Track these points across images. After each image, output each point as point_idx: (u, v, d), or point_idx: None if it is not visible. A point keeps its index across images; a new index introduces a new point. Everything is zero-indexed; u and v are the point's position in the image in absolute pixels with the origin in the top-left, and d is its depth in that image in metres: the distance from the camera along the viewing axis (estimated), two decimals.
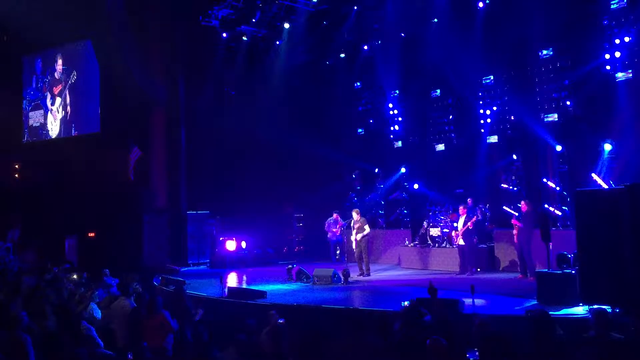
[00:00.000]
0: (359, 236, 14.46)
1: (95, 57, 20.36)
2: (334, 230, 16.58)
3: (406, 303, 7.53)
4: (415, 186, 17.26)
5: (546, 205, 13.88)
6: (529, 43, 14.49)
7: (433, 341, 5.31)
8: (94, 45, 20.41)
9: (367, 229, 14.55)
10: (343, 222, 16.34)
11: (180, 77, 18.99)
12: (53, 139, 22.21)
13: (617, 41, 12.99)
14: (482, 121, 16.04)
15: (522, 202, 13.22)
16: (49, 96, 22.48)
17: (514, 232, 13.16)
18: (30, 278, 10.96)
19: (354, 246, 14.82)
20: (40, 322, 7.36)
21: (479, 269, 14.09)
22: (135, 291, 9.67)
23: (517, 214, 13.24)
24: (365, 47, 18.67)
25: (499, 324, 8.23)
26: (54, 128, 22.21)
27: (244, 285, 13.75)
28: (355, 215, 14.80)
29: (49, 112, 22.41)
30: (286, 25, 17.99)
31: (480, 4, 15.28)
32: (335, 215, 16.73)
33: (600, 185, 12.03)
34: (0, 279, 11.88)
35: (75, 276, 12.60)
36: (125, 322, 8.57)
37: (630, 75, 12.82)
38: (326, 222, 16.80)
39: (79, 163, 19.49)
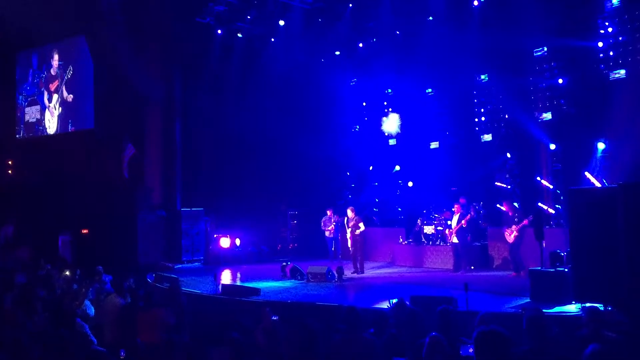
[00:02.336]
0: (357, 232, 14.49)
1: (90, 53, 20.26)
2: (329, 228, 16.49)
3: (394, 300, 7.54)
4: (410, 184, 17.30)
5: (540, 204, 13.94)
6: (523, 42, 14.50)
7: (432, 338, 5.33)
8: (88, 41, 20.32)
9: (361, 226, 14.58)
10: (338, 219, 16.31)
11: (175, 74, 18.94)
12: (48, 135, 22.10)
13: (611, 40, 13.04)
14: (476, 119, 16.08)
15: (504, 203, 13.46)
16: (45, 93, 22.36)
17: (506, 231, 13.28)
18: (22, 275, 10.92)
19: (349, 244, 14.85)
20: (32, 320, 7.34)
21: (472, 267, 14.14)
22: (129, 288, 9.66)
23: (516, 219, 13.21)
24: (361, 45, 18.66)
25: (492, 321, 8.26)
26: (51, 125, 22.10)
27: (238, 283, 13.74)
28: (350, 213, 14.83)
29: (47, 109, 22.30)
30: (281, 23, 17.96)
31: (476, 2, 15.29)
32: (329, 212, 16.68)
33: (593, 184, 12.09)
34: None
35: (67, 273, 12.56)
36: (115, 319, 8.56)
37: (624, 74, 12.88)
38: (322, 220, 16.75)
39: (73, 160, 19.42)
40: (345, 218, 15.03)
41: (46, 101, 22.30)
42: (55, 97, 21.95)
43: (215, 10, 17.53)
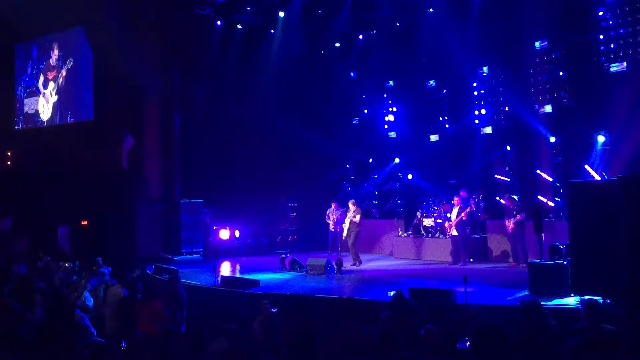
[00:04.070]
0: (350, 225, 14.49)
1: (89, 44, 20.18)
2: (331, 220, 16.53)
3: (392, 293, 7.57)
4: (409, 176, 17.30)
5: (539, 197, 13.95)
6: (524, 34, 14.46)
7: (427, 330, 5.36)
8: (87, 32, 20.23)
9: (357, 218, 14.58)
10: (342, 211, 16.34)
11: (174, 65, 18.85)
12: (46, 126, 22.06)
13: (612, 33, 12.99)
14: (476, 112, 16.04)
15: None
16: (41, 79, 22.30)
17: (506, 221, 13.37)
18: (20, 266, 10.92)
19: (344, 235, 14.87)
20: (31, 311, 7.34)
21: (471, 260, 14.17)
22: (131, 280, 9.67)
23: (515, 212, 13.29)
24: (361, 37, 18.59)
25: (491, 314, 8.27)
26: (45, 112, 22.04)
27: (237, 274, 13.76)
28: (351, 206, 14.83)
29: (41, 95, 22.25)
30: (281, 14, 17.89)
31: None
32: (333, 205, 16.71)
33: (593, 177, 12.08)
34: None
35: (67, 264, 12.58)
36: (116, 310, 8.58)
37: (625, 67, 12.83)
38: (327, 212, 16.75)
39: (73, 151, 19.37)
40: (348, 211, 15.00)
41: (41, 87, 22.23)
42: (51, 84, 21.88)
43: (214, 1, 17.45)
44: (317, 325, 5.89)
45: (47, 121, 22.01)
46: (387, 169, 18.36)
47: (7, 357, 5.69)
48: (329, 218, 16.56)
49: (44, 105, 22.06)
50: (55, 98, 21.71)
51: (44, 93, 22.11)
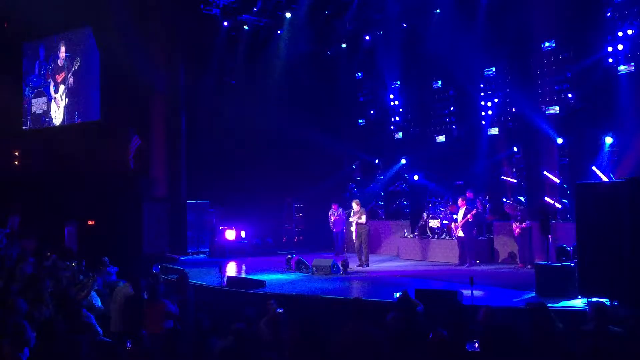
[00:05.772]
0: (358, 226, 14.47)
1: (96, 44, 20.25)
2: (331, 221, 16.58)
3: (398, 294, 7.55)
4: (416, 177, 17.26)
5: (546, 198, 13.91)
6: (531, 35, 14.42)
7: (435, 333, 5.34)
8: (94, 32, 20.31)
9: (363, 219, 14.57)
10: (341, 212, 16.37)
11: (180, 66, 18.89)
12: (54, 126, 22.15)
13: (620, 34, 12.93)
14: (483, 113, 16.00)
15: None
16: (52, 84, 22.38)
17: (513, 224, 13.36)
18: (28, 265, 10.96)
19: (353, 237, 14.85)
20: (39, 309, 7.36)
21: (478, 261, 14.12)
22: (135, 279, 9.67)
23: (519, 218, 13.34)
24: (367, 38, 18.59)
25: (498, 315, 8.24)
26: (57, 116, 22.14)
27: (243, 275, 13.76)
28: (355, 206, 14.83)
29: (53, 100, 22.33)
30: (287, 15, 17.90)
31: None
32: (333, 206, 16.74)
33: (600, 178, 12.04)
34: None
35: (73, 264, 12.60)
36: (123, 310, 8.59)
37: (633, 68, 12.78)
38: (329, 214, 16.78)
39: (79, 151, 19.44)
40: (352, 211, 15.02)
41: (52, 92, 22.33)
42: (61, 87, 21.98)
43: (221, 1, 17.48)
44: (323, 326, 5.88)
45: (59, 124, 22.08)
46: (394, 170, 18.34)
47: (16, 356, 5.71)
48: (330, 219, 16.60)
49: (56, 110, 22.15)
50: (66, 101, 21.80)
51: (55, 97, 22.19)
